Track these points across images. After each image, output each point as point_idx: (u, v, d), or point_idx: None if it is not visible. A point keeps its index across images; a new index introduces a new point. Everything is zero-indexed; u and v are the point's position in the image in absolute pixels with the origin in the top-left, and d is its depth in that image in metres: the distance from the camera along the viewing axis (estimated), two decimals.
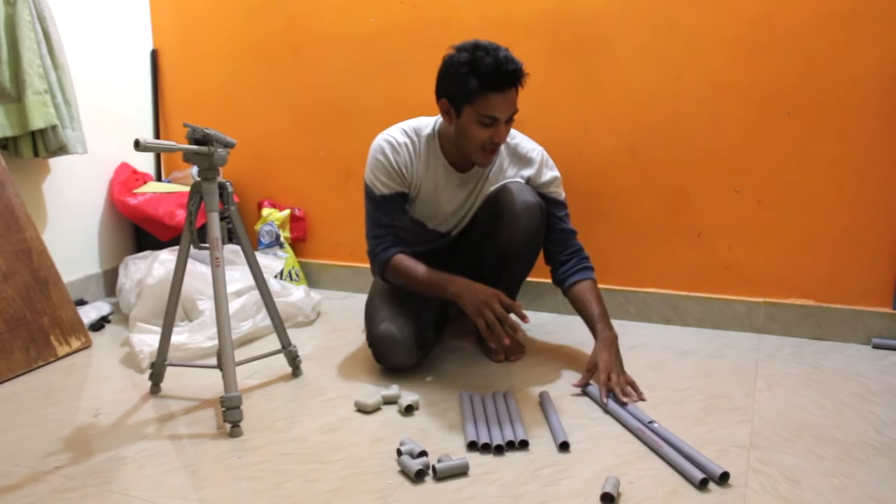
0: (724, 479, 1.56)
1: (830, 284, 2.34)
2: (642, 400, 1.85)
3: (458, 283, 1.95)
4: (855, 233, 2.29)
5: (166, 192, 2.79)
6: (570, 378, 2.08)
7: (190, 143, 1.85)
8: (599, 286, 2.19)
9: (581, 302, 2.03)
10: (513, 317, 2.39)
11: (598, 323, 1.98)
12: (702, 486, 1.54)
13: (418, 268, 2.01)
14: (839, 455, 1.68)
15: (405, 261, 2.03)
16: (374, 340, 2.07)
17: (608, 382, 1.86)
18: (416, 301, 2.11)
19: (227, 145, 1.88)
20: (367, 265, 2.74)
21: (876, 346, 2.30)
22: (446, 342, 2.35)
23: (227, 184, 1.91)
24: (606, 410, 1.79)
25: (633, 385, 1.90)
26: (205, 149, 1.84)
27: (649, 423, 1.77)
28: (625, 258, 2.52)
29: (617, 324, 2.47)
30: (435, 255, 2.22)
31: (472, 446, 1.71)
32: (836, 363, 2.19)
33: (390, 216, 2.04)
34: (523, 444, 1.71)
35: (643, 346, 2.33)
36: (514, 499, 1.52)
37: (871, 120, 2.20)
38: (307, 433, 1.79)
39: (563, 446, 1.70)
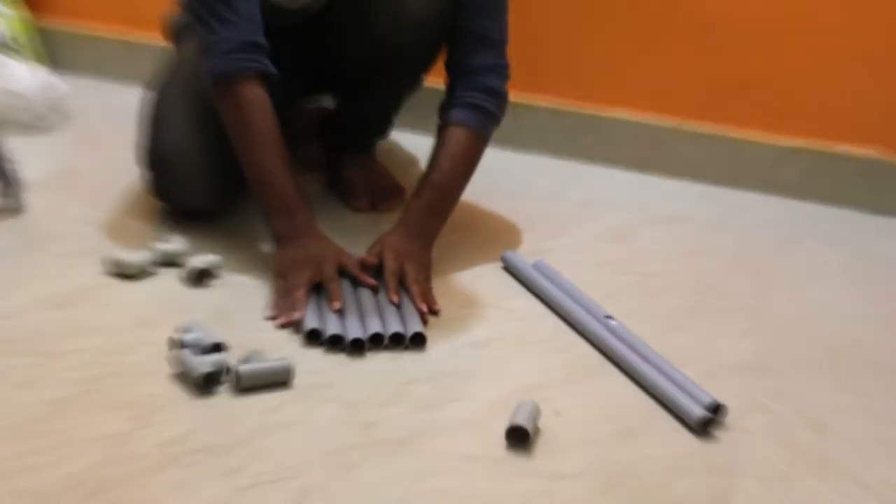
0: (716, 414, 1.59)
1: None
2: (433, 313, 1.86)
3: (300, 220, 1.90)
4: None
5: None
6: (467, 238, 2.09)
7: None
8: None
9: (431, 155, 2.03)
10: None
11: (418, 196, 1.97)
12: (703, 428, 1.57)
13: (271, 136, 1.91)
14: (892, 389, 1.73)
15: (260, 103, 1.92)
16: (155, 161, 2.01)
17: (397, 276, 1.86)
18: None
19: None
20: (150, 36, 2.59)
21: None
22: None
23: None
24: (395, 307, 1.81)
25: (429, 294, 1.90)
26: None
27: (605, 317, 1.81)
28: (585, 64, 2.50)
29: (559, 165, 2.50)
30: (283, 51, 2.13)
31: (312, 339, 1.71)
32: None
33: None
34: (396, 341, 1.73)
35: (595, 201, 2.34)
36: (361, 430, 1.52)
37: None
38: (24, 307, 1.75)
39: (418, 340, 1.74)
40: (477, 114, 2.01)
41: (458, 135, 2.00)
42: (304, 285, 1.80)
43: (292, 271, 1.83)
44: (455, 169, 2.00)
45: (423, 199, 1.97)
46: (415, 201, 1.97)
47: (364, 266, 1.87)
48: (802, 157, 2.42)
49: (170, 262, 1.89)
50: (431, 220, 1.98)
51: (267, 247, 1.94)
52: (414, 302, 1.82)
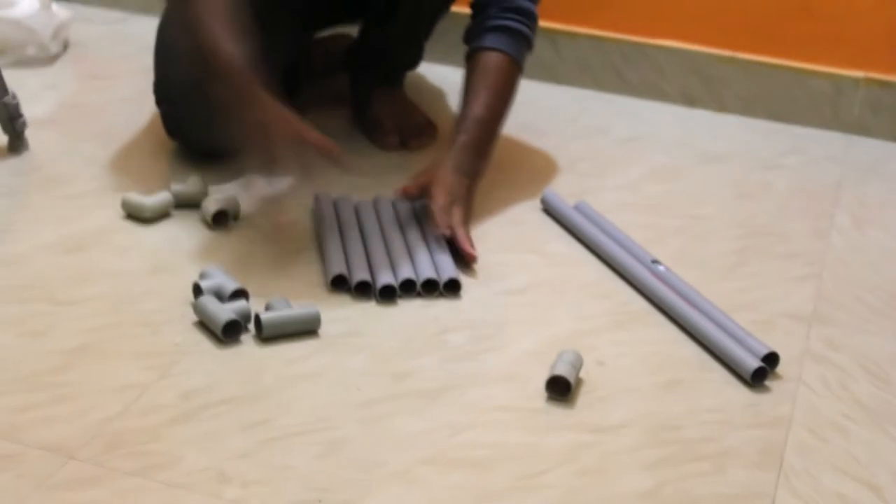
0: (770, 364, 1.60)
1: None
2: (469, 260, 1.84)
3: (234, 66, 1.78)
4: None
5: None
6: (503, 178, 2.08)
7: None
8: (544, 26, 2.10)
9: (468, 84, 2.03)
10: None
11: (463, 132, 1.96)
12: (755, 379, 1.58)
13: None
14: None
15: None
16: (168, 97, 2.03)
17: (446, 212, 1.86)
18: (252, 29, 2.01)
19: None
20: None
21: None
22: (300, 113, 2.24)
23: None
24: (451, 244, 1.83)
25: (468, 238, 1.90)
26: None
27: (652, 262, 1.81)
28: None
29: (603, 99, 2.50)
30: None
31: (338, 285, 1.73)
32: None
33: None
34: (429, 288, 1.74)
35: (645, 138, 2.34)
36: (392, 381, 1.54)
37: None
38: (30, 252, 1.78)
39: (452, 287, 1.75)
40: (512, 38, 2.01)
41: (495, 62, 2.00)
42: (266, 158, 1.75)
43: (244, 145, 1.77)
44: (497, 100, 2.00)
45: (469, 135, 1.95)
46: (460, 137, 1.95)
47: (406, 195, 1.89)
48: (866, 89, 2.41)
49: (187, 203, 1.90)
50: (478, 158, 1.96)
51: (289, 185, 1.96)
52: (460, 245, 1.82)
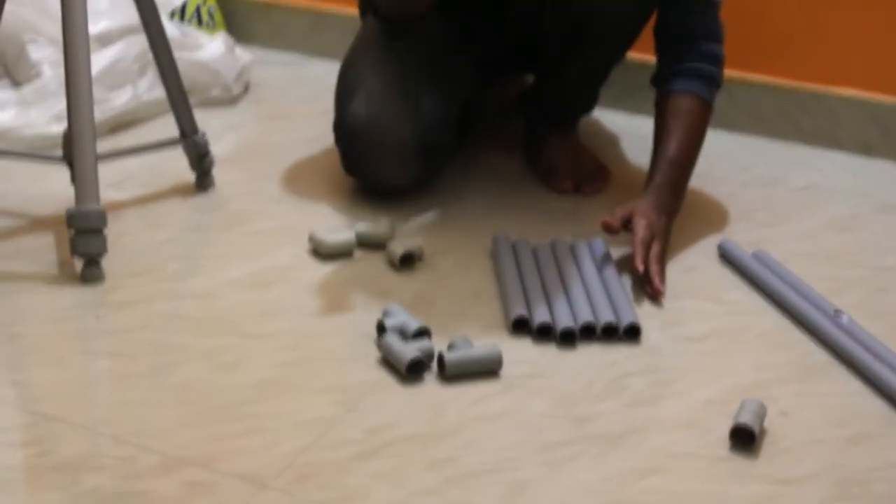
0: None
1: None
2: (656, 295, 1.86)
3: None
4: None
5: None
6: (679, 226, 2.07)
7: None
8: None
9: (661, 125, 2.07)
10: None
11: (660, 172, 2.02)
12: None
13: None
14: None
15: None
16: (346, 135, 2.07)
17: (647, 246, 1.88)
18: (429, 71, 2.09)
19: None
20: (337, 6, 2.70)
21: None
22: (475, 155, 2.34)
23: None
24: (643, 280, 1.86)
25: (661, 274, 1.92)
26: None
27: (834, 313, 1.79)
28: (805, 37, 2.47)
29: (778, 147, 2.48)
30: (476, 22, 2.23)
31: (519, 328, 1.73)
32: None
33: None
34: (608, 333, 1.74)
35: (821, 187, 2.32)
36: (574, 424, 1.55)
37: None
38: (218, 286, 1.83)
39: (632, 332, 1.74)
40: (705, 82, 2.05)
41: (687, 104, 2.04)
42: None
43: None
44: (691, 142, 2.04)
45: (665, 175, 2.00)
46: (657, 176, 2.00)
47: (607, 227, 1.89)
48: None
49: (371, 242, 1.93)
50: (674, 197, 2.00)
51: (474, 225, 2.02)
52: (651, 279, 1.85)
